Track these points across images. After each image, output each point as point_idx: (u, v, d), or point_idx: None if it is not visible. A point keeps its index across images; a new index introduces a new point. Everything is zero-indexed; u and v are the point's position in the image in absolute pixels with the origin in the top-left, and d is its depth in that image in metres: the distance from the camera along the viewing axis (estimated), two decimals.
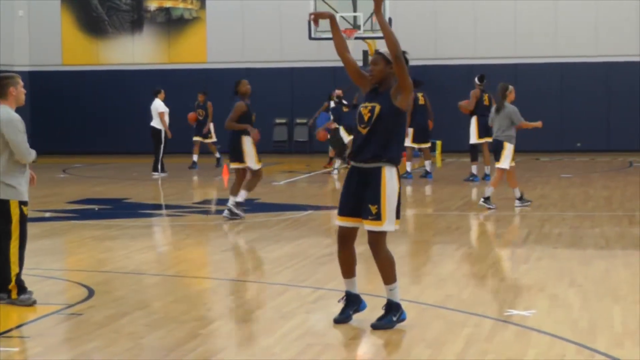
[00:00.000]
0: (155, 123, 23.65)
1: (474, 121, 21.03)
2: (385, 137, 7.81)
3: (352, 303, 8.14)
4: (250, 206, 17.33)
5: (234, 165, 15.29)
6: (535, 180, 21.10)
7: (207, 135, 25.79)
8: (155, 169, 23.62)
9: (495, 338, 7.53)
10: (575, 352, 7.15)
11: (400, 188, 7.90)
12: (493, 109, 16.68)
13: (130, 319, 8.31)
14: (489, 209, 15.82)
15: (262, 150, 30.57)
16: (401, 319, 7.90)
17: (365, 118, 7.87)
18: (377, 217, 7.80)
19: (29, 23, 32.77)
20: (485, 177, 20.96)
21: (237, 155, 15.16)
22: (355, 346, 7.54)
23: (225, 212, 15.20)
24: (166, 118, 23.63)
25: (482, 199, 16.03)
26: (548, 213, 15.56)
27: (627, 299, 9.06)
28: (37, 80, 31.85)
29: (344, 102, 24.33)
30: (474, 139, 21.05)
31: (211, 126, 25.78)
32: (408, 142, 21.65)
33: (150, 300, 9.23)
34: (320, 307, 8.88)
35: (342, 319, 8.04)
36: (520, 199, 16.21)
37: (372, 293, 9.31)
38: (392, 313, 7.88)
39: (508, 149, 15.97)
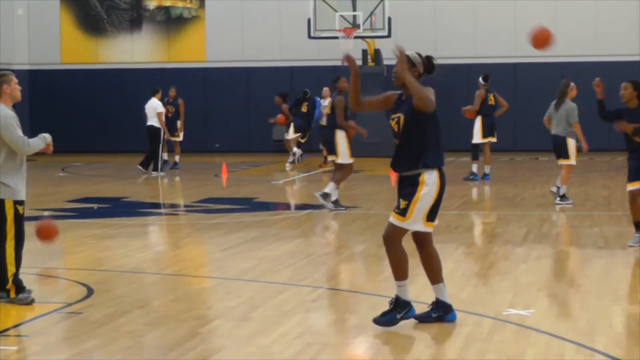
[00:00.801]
0: (155, 122, 23.65)
1: (478, 121, 20.96)
2: (417, 144, 7.77)
3: (400, 308, 7.89)
4: (250, 205, 17.34)
5: (331, 158, 16.12)
6: (535, 180, 21.10)
7: (174, 133, 24.96)
8: (155, 168, 23.65)
9: (495, 337, 7.53)
10: (574, 351, 7.15)
11: (442, 191, 7.79)
12: (552, 104, 16.80)
13: (130, 317, 8.31)
14: (569, 204, 16.14)
15: (261, 149, 30.65)
16: (407, 316, 7.84)
17: (395, 130, 7.89)
18: (403, 212, 7.75)
19: (28, 22, 32.76)
20: (485, 176, 20.97)
21: (332, 147, 15.96)
22: (355, 345, 7.53)
23: (330, 205, 15.81)
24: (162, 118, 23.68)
25: (558, 199, 16.17)
26: (547, 212, 15.56)
27: (626, 298, 9.06)
28: (36, 79, 31.85)
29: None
30: (477, 138, 21.00)
31: (178, 124, 25.06)
32: None
33: (150, 299, 9.23)
34: (320, 306, 8.88)
35: (383, 321, 7.80)
36: (563, 197, 16.33)
37: (371, 292, 9.32)
38: (398, 310, 7.81)
39: (571, 144, 16.27)
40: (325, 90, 25.69)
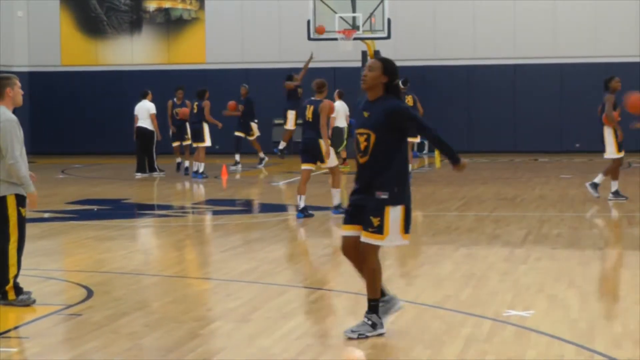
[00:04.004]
0: (147, 124, 23.62)
1: None
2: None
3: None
4: (249, 207, 17.34)
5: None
6: (535, 181, 21.12)
7: (184, 137, 24.00)
8: (152, 169, 23.63)
9: (494, 338, 7.53)
10: (574, 352, 7.16)
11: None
12: None
13: (129, 319, 8.32)
14: None
15: (261, 151, 30.59)
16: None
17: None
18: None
19: (28, 23, 32.77)
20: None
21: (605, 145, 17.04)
22: (355, 347, 7.54)
23: (610, 196, 16.93)
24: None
25: None
26: (547, 214, 15.56)
27: (626, 299, 9.07)
28: (36, 81, 31.87)
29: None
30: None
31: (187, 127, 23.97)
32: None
33: (149, 301, 9.24)
34: (320, 308, 8.89)
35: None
36: None
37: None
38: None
39: None
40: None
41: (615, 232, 13.48)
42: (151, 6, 32.36)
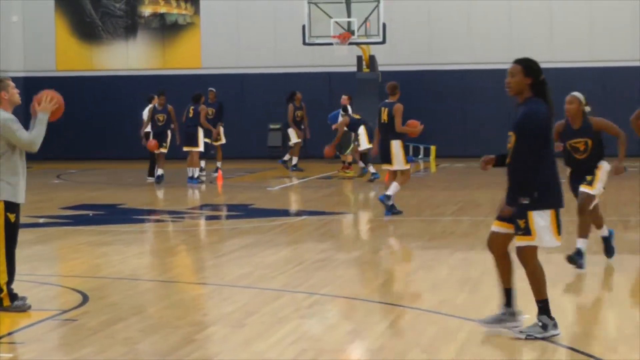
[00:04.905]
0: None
1: (362, 129, 22.74)
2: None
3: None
4: (245, 211, 17.33)
5: None
6: None
7: (162, 144, 22.85)
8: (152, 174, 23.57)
9: (490, 343, 7.53)
10: (569, 356, 7.15)
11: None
12: None
13: (125, 324, 8.30)
14: None
15: (256, 155, 30.65)
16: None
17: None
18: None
19: (23, 28, 32.75)
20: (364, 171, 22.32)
21: None
22: (350, 351, 7.53)
23: None
24: None
25: None
26: None
27: (621, 304, 9.06)
28: (31, 86, 31.71)
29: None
30: (365, 145, 22.60)
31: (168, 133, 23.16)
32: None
33: (145, 306, 9.22)
34: (315, 312, 8.88)
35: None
36: None
37: (366, 298, 9.33)
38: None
39: None
40: (344, 98, 25.13)
41: None
42: (146, 11, 32.36)
